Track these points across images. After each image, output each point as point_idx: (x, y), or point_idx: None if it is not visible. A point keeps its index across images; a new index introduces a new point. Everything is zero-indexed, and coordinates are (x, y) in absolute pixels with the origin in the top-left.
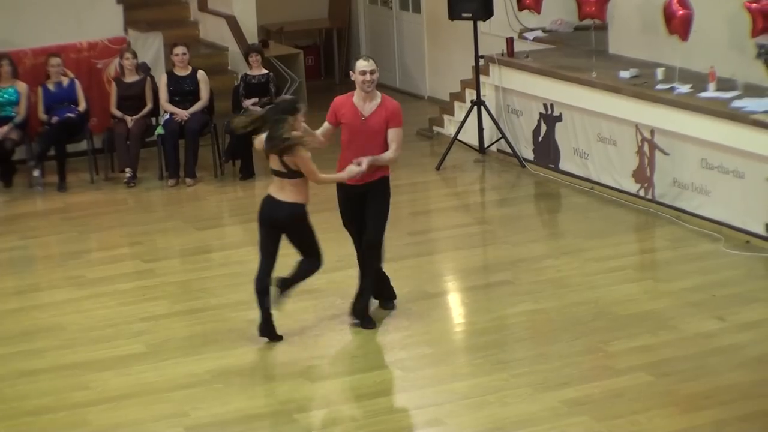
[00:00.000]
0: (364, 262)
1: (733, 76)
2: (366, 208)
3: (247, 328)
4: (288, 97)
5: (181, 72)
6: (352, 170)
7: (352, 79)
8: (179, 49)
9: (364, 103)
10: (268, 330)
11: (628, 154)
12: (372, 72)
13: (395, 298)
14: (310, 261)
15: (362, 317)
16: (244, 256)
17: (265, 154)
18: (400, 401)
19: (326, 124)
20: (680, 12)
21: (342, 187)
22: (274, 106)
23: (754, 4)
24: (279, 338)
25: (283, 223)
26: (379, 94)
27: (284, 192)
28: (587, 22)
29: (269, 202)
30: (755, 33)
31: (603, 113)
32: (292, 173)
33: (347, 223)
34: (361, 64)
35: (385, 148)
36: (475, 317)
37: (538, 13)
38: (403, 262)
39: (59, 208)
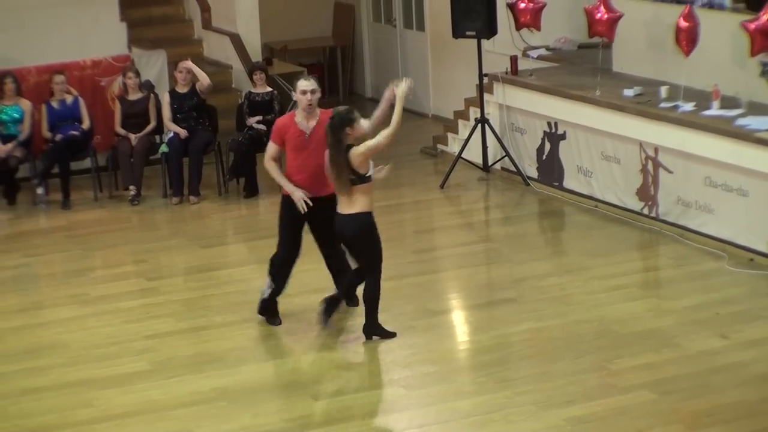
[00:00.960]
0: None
1: (736, 94)
2: (318, 231)
3: (252, 346)
4: (341, 108)
5: (183, 89)
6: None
7: (294, 98)
8: (183, 66)
9: (306, 122)
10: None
11: (632, 172)
12: (313, 91)
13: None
14: (364, 275)
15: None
16: (248, 274)
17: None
18: (404, 419)
19: (273, 146)
20: (685, 25)
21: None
22: (331, 125)
23: (752, 24)
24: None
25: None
26: (318, 110)
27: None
28: (592, 40)
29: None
30: (754, 52)
31: (607, 131)
32: (359, 179)
33: (287, 225)
34: (303, 84)
35: None
36: (478, 335)
37: (538, 29)
38: (406, 280)
39: (63, 225)
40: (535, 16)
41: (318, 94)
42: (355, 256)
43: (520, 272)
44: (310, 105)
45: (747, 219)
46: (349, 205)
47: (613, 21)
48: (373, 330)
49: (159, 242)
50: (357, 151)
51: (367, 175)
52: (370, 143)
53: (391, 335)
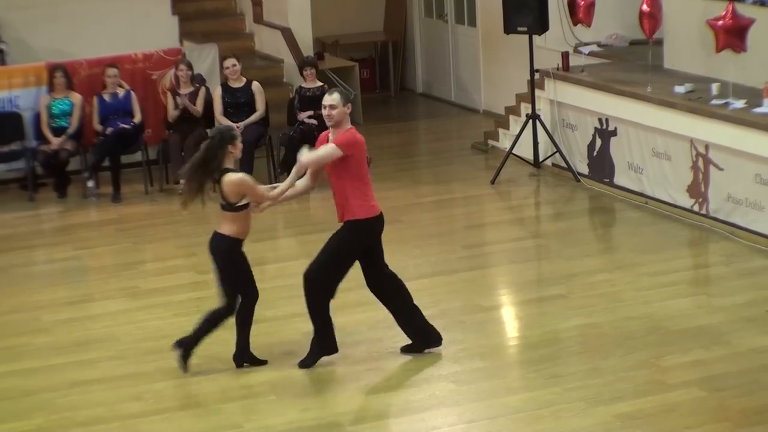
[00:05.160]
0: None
1: None
2: None
3: (302, 340)
4: (222, 126)
5: (235, 84)
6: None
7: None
8: (229, 62)
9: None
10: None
11: (683, 169)
12: (332, 107)
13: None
14: (221, 308)
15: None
16: (299, 269)
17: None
18: (453, 415)
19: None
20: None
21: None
22: (211, 144)
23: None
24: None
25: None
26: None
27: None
28: (643, 36)
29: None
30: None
31: (658, 128)
32: (229, 205)
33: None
34: (325, 99)
35: None
36: (528, 331)
37: (588, 26)
38: (456, 276)
39: (113, 219)
40: (587, 11)
41: (336, 111)
42: (220, 277)
43: (570, 268)
44: (328, 119)
45: None
46: (221, 225)
47: (654, 21)
48: (244, 356)
49: (209, 235)
50: (232, 181)
51: (238, 204)
52: (256, 187)
53: (261, 363)
